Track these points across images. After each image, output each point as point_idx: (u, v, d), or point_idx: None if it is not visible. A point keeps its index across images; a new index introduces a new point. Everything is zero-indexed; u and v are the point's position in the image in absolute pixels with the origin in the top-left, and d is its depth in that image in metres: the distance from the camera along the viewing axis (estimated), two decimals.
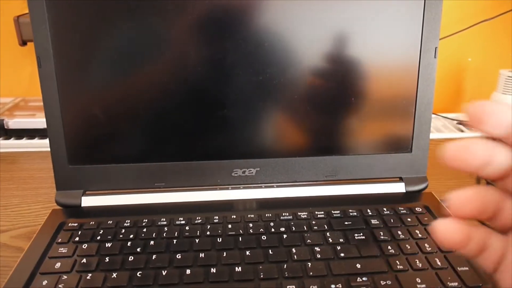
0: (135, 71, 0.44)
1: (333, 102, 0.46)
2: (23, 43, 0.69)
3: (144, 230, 0.41)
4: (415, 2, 0.43)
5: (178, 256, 0.37)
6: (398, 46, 0.45)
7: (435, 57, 0.45)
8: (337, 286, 0.33)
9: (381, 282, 0.34)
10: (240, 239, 0.39)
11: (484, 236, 0.21)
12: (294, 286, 0.34)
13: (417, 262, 0.36)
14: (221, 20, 0.42)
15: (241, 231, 0.40)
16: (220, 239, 0.39)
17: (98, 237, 0.40)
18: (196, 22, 0.43)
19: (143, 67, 0.44)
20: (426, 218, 0.42)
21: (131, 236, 0.40)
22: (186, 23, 0.43)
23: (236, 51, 0.43)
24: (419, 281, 0.34)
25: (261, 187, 0.47)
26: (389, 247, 0.38)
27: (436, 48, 0.45)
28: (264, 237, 0.39)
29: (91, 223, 0.42)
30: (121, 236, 0.40)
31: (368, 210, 0.43)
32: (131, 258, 0.37)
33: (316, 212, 0.43)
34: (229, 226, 0.41)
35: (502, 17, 0.73)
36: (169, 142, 0.45)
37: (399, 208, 0.44)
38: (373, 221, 0.41)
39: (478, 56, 0.80)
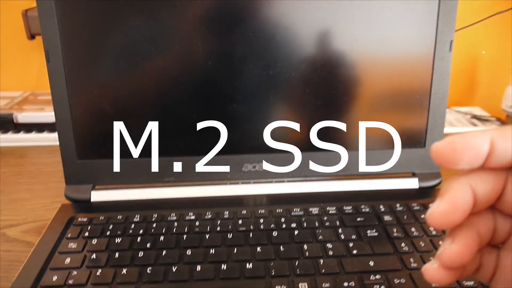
0: (144, 65, 0.43)
1: (346, 97, 0.45)
2: (32, 36, 0.69)
3: (154, 225, 0.40)
4: None
5: (188, 252, 0.37)
6: (413, 39, 0.44)
7: (450, 50, 0.44)
8: (350, 284, 0.33)
9: (395, 280, 0.33)
10: (251, 235, 0.39)
11: (477, 257, 0.21)
12: (306, 284, 0.33)
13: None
14: (232, 13, 0.42)
15: (251, 226, 0.40)
16: (231, 235, 0.39)
17: (108, 232, 0.39)
18: (206, 15, 0.42)
19: (152, 61, 0.43)
20: None
21: (141, 231, 0.39)
22: (196, 16, 0.42)
23: (246, 44, 0.42)
24: None
25: (271, 182, 0.46)
26: (403, 244, 0.37)
27: (451, 41, 0.44)
28: (275, 233, 0.39)
29: (100, 218, 0.41)
30: (130, 231, 0.40)
31: (381, 206, 0.42)
32: (141, 253, 0.37)
33: (327, 208, 0.42)
34: (240, 221, 0.41)
35: None
36: (179, 136, 0.45)
37: (412, 204, 0.43)
38: (386, 218, 0.41)
39: (493, 49, 0.78)
